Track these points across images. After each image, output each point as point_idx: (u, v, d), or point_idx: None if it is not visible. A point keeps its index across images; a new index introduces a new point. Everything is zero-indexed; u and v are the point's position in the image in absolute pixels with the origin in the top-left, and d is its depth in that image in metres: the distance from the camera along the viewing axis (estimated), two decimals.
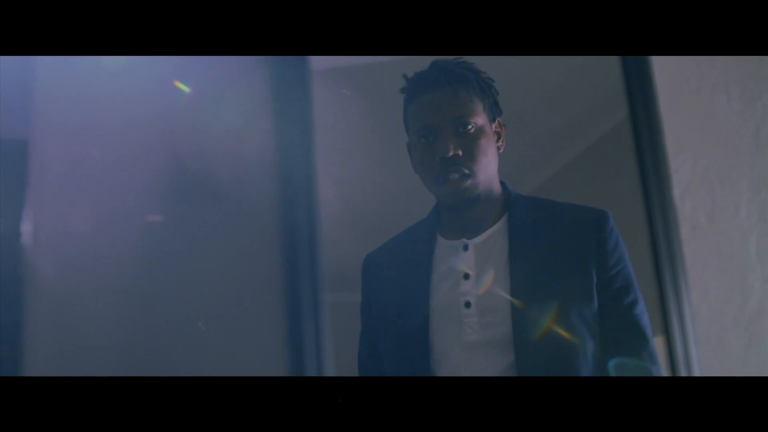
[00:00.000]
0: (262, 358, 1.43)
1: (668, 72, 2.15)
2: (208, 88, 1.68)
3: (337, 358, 1.53)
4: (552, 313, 1.54)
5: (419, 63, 1.76)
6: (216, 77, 1.69)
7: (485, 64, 1.81)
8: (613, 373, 1.55)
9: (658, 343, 2.19)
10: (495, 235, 1.66)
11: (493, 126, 1.70)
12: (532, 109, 2.28)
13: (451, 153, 1.62)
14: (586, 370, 1.55)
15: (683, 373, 2.31)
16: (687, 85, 2.17)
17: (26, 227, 1.44)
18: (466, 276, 1.60)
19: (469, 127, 1.64)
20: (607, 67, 2.13)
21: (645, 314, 1.64)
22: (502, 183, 1.74)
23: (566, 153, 2.34)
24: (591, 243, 1.64)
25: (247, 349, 1.46)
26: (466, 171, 1.64)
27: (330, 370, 1.40)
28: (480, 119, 1.65)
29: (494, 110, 1.73)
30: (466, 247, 1.64)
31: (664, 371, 2.16)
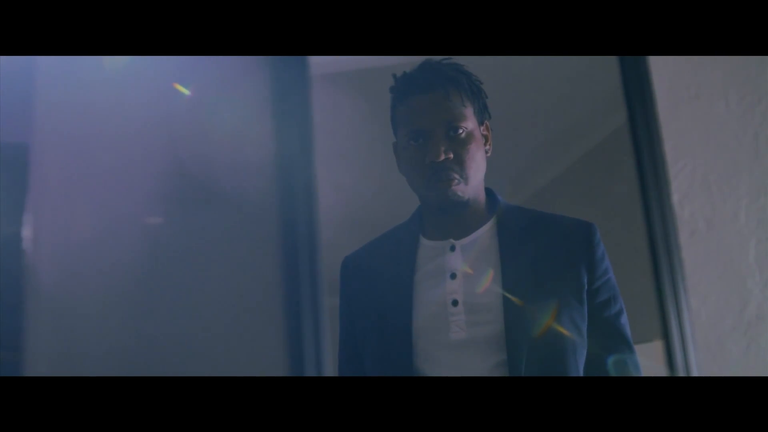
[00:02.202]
0: (262, 358, 1.43)
1: (667, 78, 2.15)
2: (208, 92, 1.68)
3: (336, 358, 1.53)
4: (551, 312, 1.55)
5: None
6: (216, 81, 1.70)
7: (485, 69, 1.81)
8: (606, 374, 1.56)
9: (657, 348, 2.19)
10: (483, 237, 1.66)
11: (482, 129, 1.71)
12: (531, 115, 2.28)
13: (442, 157, 1.62)
14: (575, 372, 1.55)
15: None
16: (686, 91, 2.18)
17: (27, 232, 1.44)
18: (453, 276, 1.60)
19: (460, 131, 1.65)
20: (606, 73, 2.13)
21: (628, 324, 1.65)
22: (488, 189, 1.74)
23: (565, 158, 2.34)
24: (580, 252, 1.66)
25: (248, 350, 1.46)
26: (456, 176, 1.64)
27: (329, 370, 1.40)
28: (470, 123, 1.66)
29: (483, 114, 1.73)
30: (453, 248, 1.64)
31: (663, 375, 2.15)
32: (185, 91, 1.66)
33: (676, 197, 2.17)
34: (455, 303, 1.56)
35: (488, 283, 1.58)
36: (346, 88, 1.95)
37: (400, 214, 1.81)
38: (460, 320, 1.57)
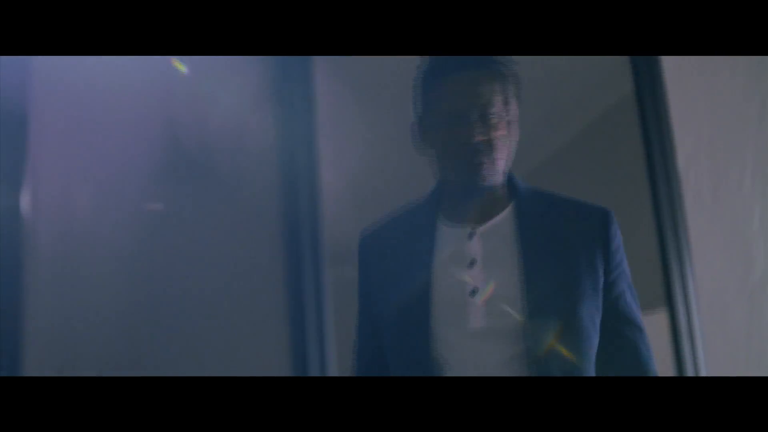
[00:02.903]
0: (265, 358, 1.43)
1: None
2: (209, 70, 1.68)
3: (339, 358, 1.54)
4: (558, 331, 1.55)
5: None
6: (218, 60, 1.70)
7: None
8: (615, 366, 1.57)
9: (661, 316, 2.20)
10: (501, 224, 1.65)
11: (512, 114, 1.69)
12: (540, 83, 2.27)
13: (477, 139, 1.61)
14: (589, 362, 1.57)
15: (686, 345, 2.33)
16: (692, 60, 2.17)
17: (25, 208, 1.46)
18: (472, 264, 1.60)
19: (494, 114, 1.63)
20: None
21: (640, 311, 1.66)
22: (508, 173, 1.73)
23: (572, 126, 2.34)
24: (598, 241, 1.64)
25: (249, 348, 1.47)
26: (489, 159, 1.63)
27: (333, 370, 1.41)
28: (503, 107, 1.64)
29: (514, 98, 1.71)
30: (471, 235, 1.63)
31: (667, 343, 2.18)
32: (182, 68, 1.66)
33: (681, 164, 2.17)
34: (473, 293, 1.57)
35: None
36: (349, 66, 1.95)
37: (402, 191, 1.81)
38: (479, 309, 1.58)
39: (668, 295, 2.19)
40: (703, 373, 2.09)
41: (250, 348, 1.46)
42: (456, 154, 1.61)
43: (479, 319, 1.53)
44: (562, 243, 1.59)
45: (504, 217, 1.62)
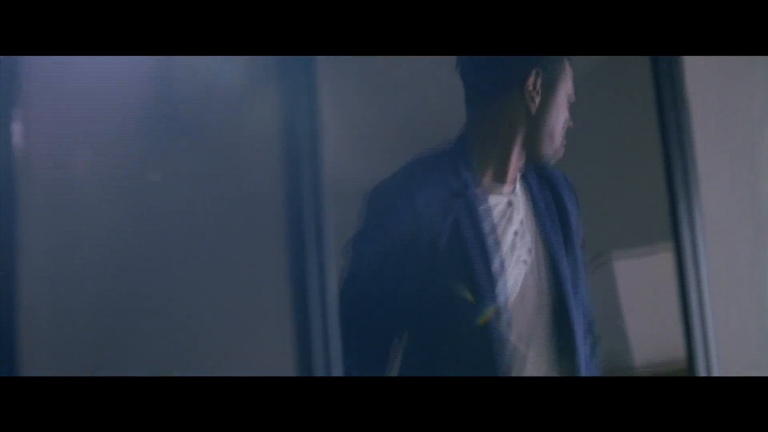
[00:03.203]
0: (268, 357, 1.44)
1: None
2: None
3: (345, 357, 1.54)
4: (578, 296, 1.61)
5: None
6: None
7: None
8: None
9: (666, 245, 2.20)
10: (522, 193, 1.68)
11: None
12: None
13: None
14: (585, 322, 1.62)
15: (691, 273, 2.32)
16: None
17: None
18: (515, 233, 1.62)
19: (569, 96, 1.65)
20: None
21: None
22: None
23: (583, 61, 2.29)
24: (574, 207, 1.69)
25: (253, 347, 1.47)
26: (556, 136, 1.65)
27: (338, 371, 1.41)
28: (572, 92, 1.66)
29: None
30: (510, 203, 1.63)
31: (671, 272, 2.19)
32: None
33: (689, 85, 2.13)
34: (527, 262, 1.59)
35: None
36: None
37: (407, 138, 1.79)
38: (530, 279, 1.61)
39: (674, 224, 2.18)
40: (707, 302, 2.10)
41: (250, 345, 1.47)
42: (559, 135, 1.60)
43: (530, 288, 1.56)
44: (557, 212, 1.61)
45: (521, 186, 1.63)
